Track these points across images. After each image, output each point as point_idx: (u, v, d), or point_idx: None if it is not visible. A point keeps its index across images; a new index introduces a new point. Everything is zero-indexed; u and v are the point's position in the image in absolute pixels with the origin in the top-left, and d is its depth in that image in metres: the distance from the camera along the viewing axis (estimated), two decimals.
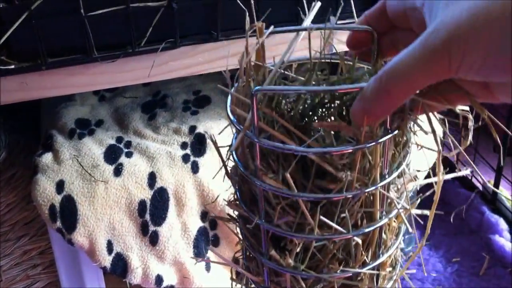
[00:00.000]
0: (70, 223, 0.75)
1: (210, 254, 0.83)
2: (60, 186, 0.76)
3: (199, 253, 0.81)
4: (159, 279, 0.80)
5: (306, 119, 0.45)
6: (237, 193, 0.46)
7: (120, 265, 0.78)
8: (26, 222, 0.83)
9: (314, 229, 0.41)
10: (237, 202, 0.47)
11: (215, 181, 0.80)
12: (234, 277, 0.80)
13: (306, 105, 0.45)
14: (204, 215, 0.81)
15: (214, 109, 0.90)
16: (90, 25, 0.69)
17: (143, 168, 0.79)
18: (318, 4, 0.46)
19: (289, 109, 0.45)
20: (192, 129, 0.85)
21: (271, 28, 0.43)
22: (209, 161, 0.81)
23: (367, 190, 0.40)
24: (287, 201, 0.41)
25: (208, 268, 0.82)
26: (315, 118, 0.45)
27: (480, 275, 0.95)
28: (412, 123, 0.42)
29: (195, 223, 0.81)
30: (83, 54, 0.71)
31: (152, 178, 0.79)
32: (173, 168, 0.80)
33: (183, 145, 0.83)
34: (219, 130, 0.84)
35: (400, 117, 0.40)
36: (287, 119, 0.42)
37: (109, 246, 0.77)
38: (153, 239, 0.79)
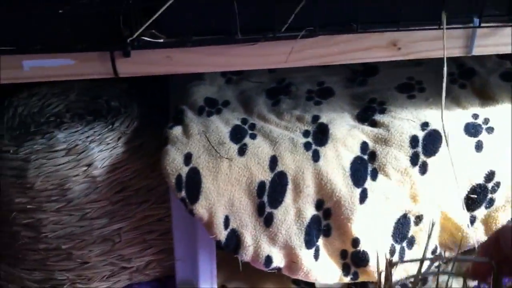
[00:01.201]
0: (193, 194, 0.79)
1: (320, 243, 0.84)
2: (188, 158, 0.80)
3: (310, 240, 0.82)
4: (268, 260, 0.82)
5: None
6: None
7: (234, 241, 0.81)
8: (149, 189, 0.88)
9: None
10: None
11: (334, 172, 0.81)
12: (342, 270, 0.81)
13: None
14: (319, 204, 0.82)
15: (337, 102, 0.90)
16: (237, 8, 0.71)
17: (266, 151, 0.81)
18: None
19: None
20: (315, 118, 0.86)
21: None
22: (330, 152, 0.82)
23: None
24: None
25: (317, 256, 0.83)
26: None
27: None
28: None
29: (310, 211, 0.82)
30: (226, 35, 0.74)
31: (273, 161, 0.81)
32: (295, 154, 0.81)
33: (305, 133, 0.84)
34: (342, 123, 0.85)
35: None
36: None
37: (226, 222, 0.80)
38: (268, 221, 0.81)
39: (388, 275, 0.53)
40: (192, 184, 0.79)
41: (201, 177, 0.79)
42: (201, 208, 0.79)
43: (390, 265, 0.53)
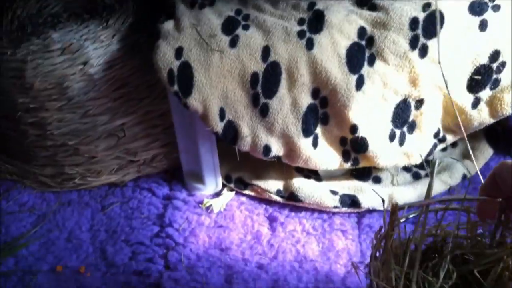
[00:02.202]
0: (186, 88, 0.79)
1: (318, 131, 0.84)
2: (179, 52, 0.79)
3: (307, 129, 0.82)
4: (266, 149, 0.83)
5: None
6: None
7: (231, 132, 0.82)
8: (149, 85, 0.89)
9: None
10: None
11: (329, 60, 0.79)
12: (342, 156, 0.81)
13: None
14: (315, 93, 0.81)
15: None
16: None
17: (258, 41, 0.80)
18: None
19: None
20: (311, 5, 0.82)
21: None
22: (325, 39, 0.79)
23: None
24: None
25: (315, 144, 0.84)
26: None
27: None
28: None
29: (306, 99, 0.81)
30: None
31: (266, 51, 0.79)
32: (288, 43, 0.79)
33: (300, 21, 0.81)
34: (339, 9, 0.81)
35: None
36: None
37: (221, 113, 0.81)
38: (263, 111, 0.81)
39: (394, 220, 0.54)
40: (184, 77, 0.79)
41: (193, 71, 0.79)
42: (195, 101, 0.79)
43: (397, 209, 0.53)
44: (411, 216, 0.59)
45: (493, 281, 0.56)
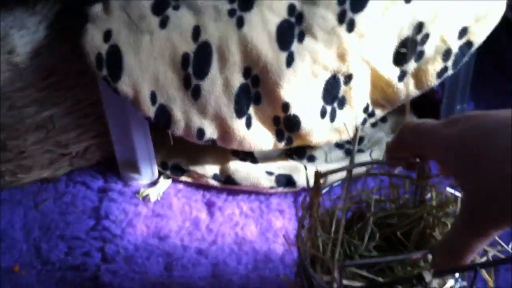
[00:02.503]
0: (115, 72, 0.77)
1: (251, 111, 0.84)
2: (107, 35, 0.77)
3: (240, 110, 0.82)
4: (200, 132, 0.82)
5: None
6: None
7: (164, 116, 0.81)
8: (78, 73, 0.86)
9: None
10: None
11: (259, 38, 0.79)
12: (275, 136, 0.82)
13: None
14: (247, 72, 0.81)
15: None
16: None
17: (189, 21, 0.79)
18: None
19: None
20: None
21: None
22: (256, 17, 0.79)
23: None
24: None
25: (249, 124, 0.84)
26: None
27: None
28: None
29: (238, 79, 0.81)
30: None
31: (196, 31, 0.79)
32: (218, 22, 0.79)
33: (231, 0, 0.81)
34: None
35: None
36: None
37: (153, 97, 0.80)
38: (196, 93, 0.80)
39: (318, 189, 0.54)
40: (113, 61, 0.77)
41: (122, 54, 0.77)
42: (124, 86, 0.78)
43: (320, 177, 0.54)
44: (335, 184, 0.60)
45: (416, 240, 0.58)
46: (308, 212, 0.57)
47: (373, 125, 0.95)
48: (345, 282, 0.51)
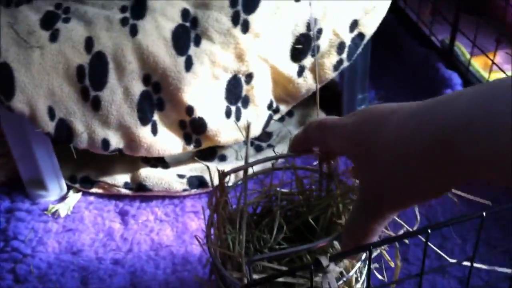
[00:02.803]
0: (7, 90, 0.75)
1: (156, 118, 0.84)
2: None
3: (144, 117, 0.82)
4: (105, 143, 0.81)
5: None
6: None
7: (64, 131, 0.79)
8: None
9: None
10: None
11: (155, 44, 0.79)
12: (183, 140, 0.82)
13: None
14: (146, 79, 0.81)
15: None
16: None
17: (80, 33, 0.78)
18: None
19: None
20: None
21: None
22: (149, 25, 0.79)
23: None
24: None
25: (154, 131, 0.84)
26: None
27: None
28: None
29: (138, 87, 0.81)
30: None
31: (89, 42, 0.78)
32: (111, 32, 0.78)
33: (123, 9, 0.81)
34: None
35: None
36: None
37: (51, 112, 0.78)
38: (95, 104, 0.79)
39: (223, 188, 0.55)
40: (4, 79, 0.75)
41: (13, 71, 0.75)
42: (19, 103, 0.76)
43: (223, 176, 0.55)
44: (239, 182, 0.62)
45: (324, 228, 0.60)
46: (216, 212, 0.58)
47: (280, 119, 0.97)
48: (255, 276, 0.53)
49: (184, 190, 0.87)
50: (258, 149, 0.95)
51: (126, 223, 0.86)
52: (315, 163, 0.61)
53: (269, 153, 0.92)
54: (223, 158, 0.93)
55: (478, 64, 1.02)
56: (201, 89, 0.83)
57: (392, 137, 0.40)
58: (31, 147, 0.83)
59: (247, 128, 0.55)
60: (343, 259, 0.53)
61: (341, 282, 0.53)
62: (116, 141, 0.82)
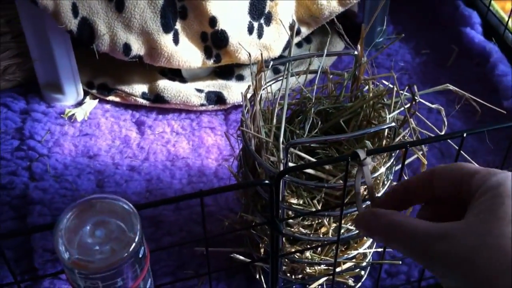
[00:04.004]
0: None
1: (178, 26, 0.83)
2: None
3: (166, 24, 0.81)
4: (126, 48, 0.81)
5: None
6: None
7: (86, 30, 0.78)
8: None
9: None
10: None
11: None
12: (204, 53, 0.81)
13: None
14: None
15: None
16: None
17: None
18: None
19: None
20: None
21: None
22: None
23: None
24: None
25: (176, 40, 0.83)
26: None
27: (447, 66, 0.97)
28: None
29: None
30: None
31: None
32: None
33: None
34: None
35: None
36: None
37: (74, 9, 0.77)
38: (119, 5, 0.78)
39: (260, 72, 0.54)
40: None
41: None
42: None
43: (262, 65, 0.54)
44: (276, 63, 0.61)
45: (355, 131, 0.60)
46: (251, 103, 0.57)
47: (298, 45, 0.97)
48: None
49: (202, 105, 0.87)
50: (276, 71, 0.95)
51: (142, 133, 0.86)
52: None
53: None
54: (240, 78, 0.93)
55: (498, 5, 1.02)
56: (226, 1, 0.82)
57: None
58: (51, 47, 0.82)
59: (292, 27, 0.54)
60: (380, 153, 0.53)
61: (373, 177, 0.53)
62: (137, 47, 0.81)
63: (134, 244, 0.37)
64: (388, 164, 0.54)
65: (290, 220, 0.56)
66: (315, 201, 0.53)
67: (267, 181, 0.46)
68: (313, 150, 0.60)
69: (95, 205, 0.39)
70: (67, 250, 0.37)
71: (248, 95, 0.58)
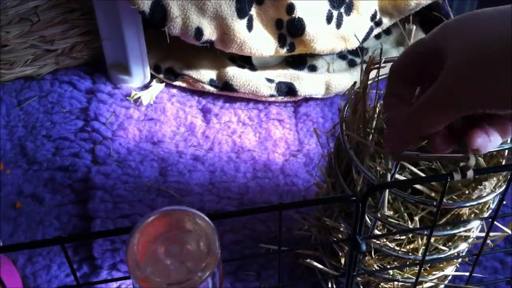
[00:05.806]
0: None
1: (253, 12, 0.78)
2: None
3: (241, 9, 0.77)
4: (198, 32, 0.77)
5: None
6: None
7: (159, 12, 0.75)
8: None
9: None
10: None
11: None
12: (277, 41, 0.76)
13: None
14: None
15: None
16: None
17: None
18: None
19: None
20: None
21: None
22: None
23: None
24: None
25: (250, 27, 0.79)
26: None
27: None
28: None
29: None
30: None
31: None
32: None
33: None
34: None
35: None
36: None
37: None
38: None
39: (369, 72, 0.49)
40: None
41: None
42: None
43: (371, 63, 0.49)
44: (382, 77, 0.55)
45: None
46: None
47: (377, 36, 0.91)
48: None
49: (271, 95, 0.83)
50: (351, 63, 0.89)
51: (208, 121, 0.82)
52: None
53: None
54: (313, 68, 0.88)
55: None
56: None
57: (488, 36, 0.38)
58: (121, 27, 0.79)
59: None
60: (485, 173, 0.47)
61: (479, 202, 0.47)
62: (209, 32, 0.78)
63: (211, 268, 0.34)
64: (500, 191, 0.48)
65: (378, 232, 0.51)
66: (416, 218, 0.49)
67: (353, 197, 0.41)
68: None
69: (172, 218, 0.35)
70: (138, 266, 0.34)
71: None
